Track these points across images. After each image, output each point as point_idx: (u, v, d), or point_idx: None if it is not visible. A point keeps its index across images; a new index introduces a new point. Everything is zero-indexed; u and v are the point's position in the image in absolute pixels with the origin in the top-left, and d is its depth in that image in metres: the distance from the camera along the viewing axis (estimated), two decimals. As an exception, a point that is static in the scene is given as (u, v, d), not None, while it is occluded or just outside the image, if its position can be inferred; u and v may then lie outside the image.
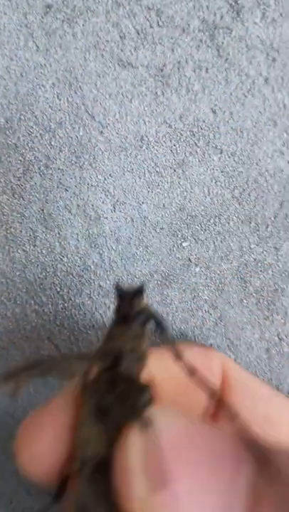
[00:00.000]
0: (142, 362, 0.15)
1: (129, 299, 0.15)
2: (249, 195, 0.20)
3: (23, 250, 0.22)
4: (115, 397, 0.15)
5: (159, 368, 0.15)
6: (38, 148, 0.21)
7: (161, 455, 0.13)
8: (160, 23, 0.20)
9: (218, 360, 0.19)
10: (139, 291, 0.15)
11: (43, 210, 0.21)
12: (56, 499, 0.15)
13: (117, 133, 0.20)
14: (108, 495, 0.14)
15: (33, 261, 0.22)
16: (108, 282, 0.22)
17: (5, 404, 0.24)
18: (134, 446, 0.13)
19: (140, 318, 0.15)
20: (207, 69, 0.20)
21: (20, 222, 0.22)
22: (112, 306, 0.22)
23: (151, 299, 0.22)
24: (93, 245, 0.22)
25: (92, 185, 0.21)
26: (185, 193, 0.21)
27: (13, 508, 0.26)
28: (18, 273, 0.22)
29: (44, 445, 0.15)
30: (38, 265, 0.22)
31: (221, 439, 0.13)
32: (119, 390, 0.15)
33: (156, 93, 0.20)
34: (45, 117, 0.21)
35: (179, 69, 0.20)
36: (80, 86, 0.20)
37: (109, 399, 0.15)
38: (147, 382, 0.14)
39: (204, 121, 0.20)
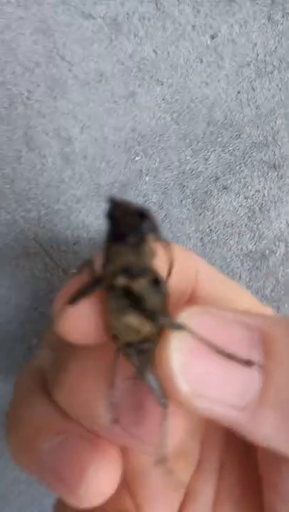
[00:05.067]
0: (149, 269, 0.15)
1: (132, 216, 0.13)
2: (184, 117, 0.27)
3: (11, 167, 0.28)
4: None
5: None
6: (20, 84, 0.27)
7: (198, 355, 0.14)
8: (113, -17, 0.25)
9: (193, 259, 0.20)
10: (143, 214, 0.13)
11: (26, 134, 0.27)
12: None
13: (82, 70, 0.26)
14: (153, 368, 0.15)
15: (19, 176, 0.28)
16: (79, 191, 0.28)
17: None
18: (173, 350, 0.14)
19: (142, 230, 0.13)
20: (149, 19, 0.26)
21: (8, 145, 0.28)
22: (85, 212, 0.29)
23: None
24: (66, 162, 0.28)
25: (63, 112, 0.27)
26: (136, 117, 0.27)
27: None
28: (7, 186, 0.28)
29: (84, 309, 0.16)
30: (23, 179, 0.28)
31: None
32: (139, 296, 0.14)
33: (111, 38, 0.26)
34: (25, 59, 0.26)
35: (128, 19, 0.26)
36: (52, 34, 0.26)
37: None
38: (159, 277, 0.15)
39: (148, 60, 0.26)
